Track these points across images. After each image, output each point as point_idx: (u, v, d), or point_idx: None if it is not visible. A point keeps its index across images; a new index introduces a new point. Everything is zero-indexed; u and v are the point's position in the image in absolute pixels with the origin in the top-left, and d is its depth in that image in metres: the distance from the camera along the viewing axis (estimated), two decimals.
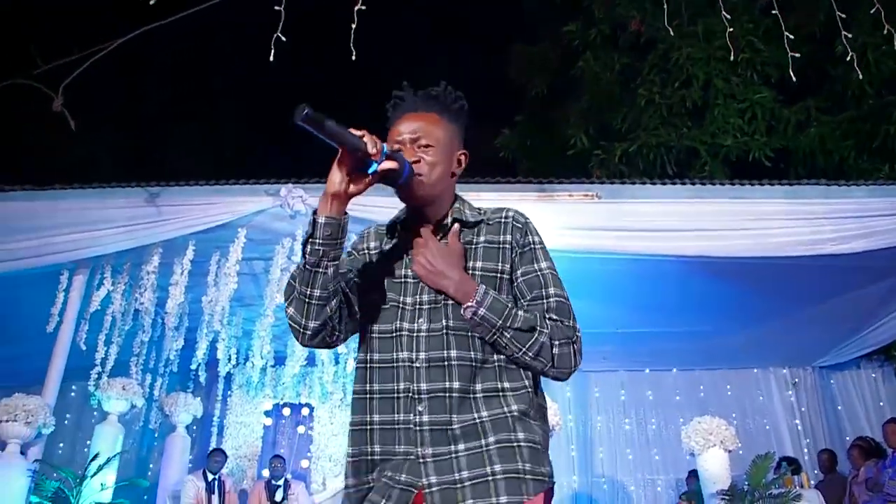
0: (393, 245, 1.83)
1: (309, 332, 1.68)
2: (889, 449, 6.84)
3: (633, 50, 9.58)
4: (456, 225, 1.78)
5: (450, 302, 1.68)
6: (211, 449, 8.00)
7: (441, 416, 1.60)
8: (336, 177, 1.59)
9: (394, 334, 1.70)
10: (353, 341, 1.84)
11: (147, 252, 6.60)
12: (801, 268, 6.52)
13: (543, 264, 1.75)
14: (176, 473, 7.97)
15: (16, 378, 8.54)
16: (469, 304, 1.63)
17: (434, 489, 1.55)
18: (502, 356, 1.67)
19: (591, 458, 9.16)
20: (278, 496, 7.80)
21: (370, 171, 1.58)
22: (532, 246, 1.77)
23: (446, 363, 1.64)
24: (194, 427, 8.59)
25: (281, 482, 7.86)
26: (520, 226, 1.79)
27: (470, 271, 1.73)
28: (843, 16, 4.51)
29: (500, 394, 1.65)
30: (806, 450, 8.88)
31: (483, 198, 6.34)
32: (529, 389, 1.68)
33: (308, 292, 1.64)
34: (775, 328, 8.33)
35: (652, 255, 6.23)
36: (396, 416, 1.63)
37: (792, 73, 3.92)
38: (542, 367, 1.66)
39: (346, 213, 1.65)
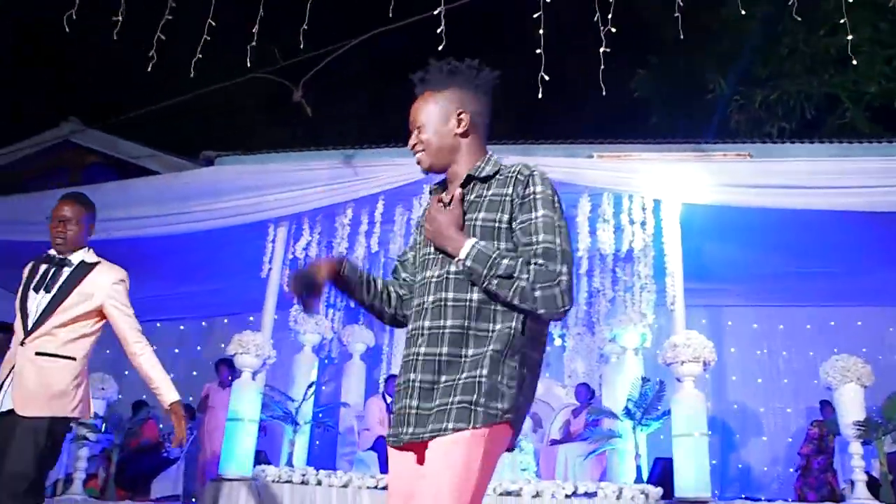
0: (426, 208, 2.12)
1: (381, 320, 2.21)
2: None
3: None
4: (458, 191, 2.01)
5: None
6: (388, 375, 9.12)
7: (433, 349, 1.87)
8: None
9: (421, 283, 2.01)
10: None
11: (340, 206, 7.59)
12: None
13: (539, 213, 1.90)
14: (355, 396, 9.13)
15: (221, 308, 9.97)
16: (459, 256, 1.88)
17: (412, 412, 1.86)
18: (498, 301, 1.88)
19: (724, 385, 9.81)
20: None
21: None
22: (532, 196, 1.92)
23: (443, 304, 1.90)
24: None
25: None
26: (522, 178, 1.94)
27: (471, 222, 1.95)
28: None
29: (489, 333, 1.86)
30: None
31: (644, 157, 6.97)
32: (513, 330, 1.86)
33: (359, 302, 2.16)
34: None
35: (802, 210, 6.71)
36: (410, 349, 1.95)
37: None
38: (529, 308, 1.83)
39: (342, 279, 2.09)
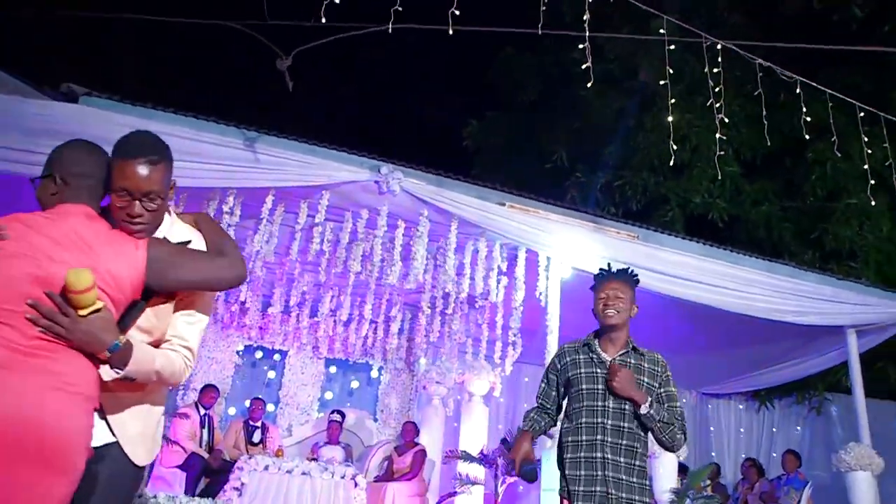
0: (589, 355, 3.18)
1: None
2: (783, 472, 8.70)
3: (636, 94, 10.56)
4: (627, 363, 3.13)
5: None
6: (205, 384, 8.03)
7: (615, 457, 2.99)
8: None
9: (596, 407, 3.07)
10: None
11: (221, 191, 6.62)
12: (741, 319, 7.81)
13: (674, 388, 3.19)
14: None
15: None
16: (645, 405, 2.99)
17: (612, 497, 2.92)
18: (644, 433, 3.07)
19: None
20: (256, 437, 8.04)
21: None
22: (669, 375, 3.21)
23: (622, 428, 3.03)
24: None
25: (259, 424, 8.12)
26: (663, 361, 3.22)
27: (641, 382, 3.07)
28: (809, 137, 6.11)
29: (638, 450, 3.05)
30: (682, 460, 10.52)
31: (552, 217, 7.12)
32: (644, 451, 3.09)
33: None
34: (688, 358, 9.85)
35: (671, 296, 7.35)
36: (595, 454, 3.00)
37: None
38: (669, 444, 3.08)
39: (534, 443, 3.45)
